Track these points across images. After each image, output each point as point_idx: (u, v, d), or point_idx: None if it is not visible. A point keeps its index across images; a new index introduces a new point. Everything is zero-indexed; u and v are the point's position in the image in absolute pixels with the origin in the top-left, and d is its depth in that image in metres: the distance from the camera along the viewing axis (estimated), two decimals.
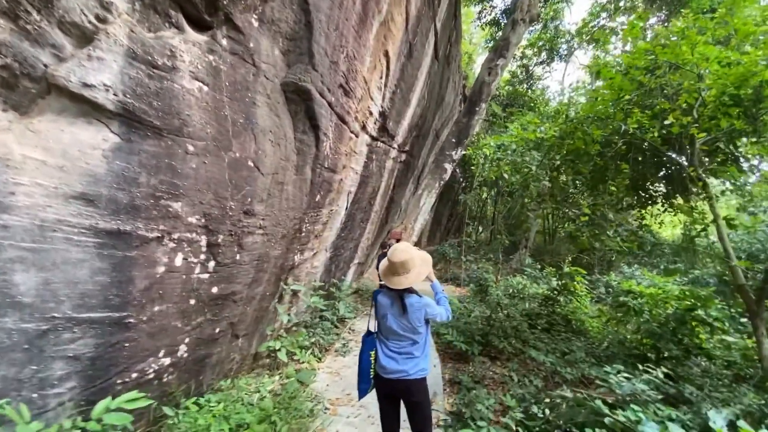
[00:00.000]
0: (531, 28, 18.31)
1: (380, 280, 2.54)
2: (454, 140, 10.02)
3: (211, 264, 3.15)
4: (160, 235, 2.62)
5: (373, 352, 2.46)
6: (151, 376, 2.72)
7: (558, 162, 4.84)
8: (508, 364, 4.80)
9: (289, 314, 5.33)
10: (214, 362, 3.59)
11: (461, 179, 28.49)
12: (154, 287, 2.60)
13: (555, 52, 19.01)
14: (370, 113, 6.24)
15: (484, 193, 30.01)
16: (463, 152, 10.65)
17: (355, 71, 5.03)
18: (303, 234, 4.72)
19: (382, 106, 6.68)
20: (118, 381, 2.41)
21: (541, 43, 18.84)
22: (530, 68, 19.96)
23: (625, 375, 3.23)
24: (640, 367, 3.53)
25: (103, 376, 2.38)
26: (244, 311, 3.85)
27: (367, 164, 6.89)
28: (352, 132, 5.51)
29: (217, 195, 3.06)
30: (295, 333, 5.14)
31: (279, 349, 4.47)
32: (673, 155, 4.85)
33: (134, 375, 2.53)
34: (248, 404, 3.42)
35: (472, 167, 25.80)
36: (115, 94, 2.32)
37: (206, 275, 3.12)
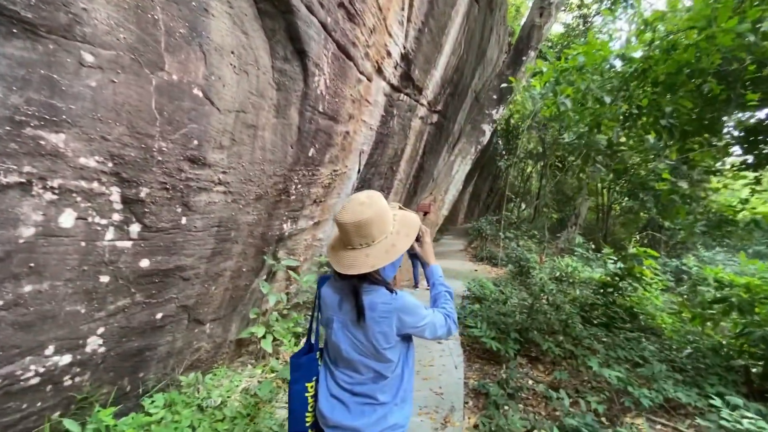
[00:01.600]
0: None
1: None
2: (495, 96, 8.55)
3: (134, 228, 2.28)
4: (23, 180, 1.75)
5: (312, 384, 1.38)
6: (34, 381, 1.93)
7: (642, 96, 3.44)
8: (554, 371, 3.68)
9: (285, 294, 4.50)
10: (164, 354, 2.80)
11: (503, 151, 26.39)
12: (17, 258, 1.75)
13: None
14: (388, 53, 5.06)
15: (529, 167, 27.69)
16: (505, 110, 9.14)
17: None
18: (292, 197, 3.77)
19: (404, 47, 5.47)
20: None
21: None
22: (589, 19, 17.37)
23: (750, 417, 2.03)
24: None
25: None
26: (205, 291, 3.01)
27: (385, 119, 5.78)
28: (361, 72, 4.39)
29: (133, 129, 2.13)
30: (294, 318, 4.31)
31: (263, 336, 3.64)
32: None
33: None
34: (197, 411, 2.61)
35: (517, 138, 23.63)
36: None
37: (127, 243, 2.26)
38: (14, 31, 1.73)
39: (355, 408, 1.25)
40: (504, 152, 26.34)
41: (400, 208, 1.47)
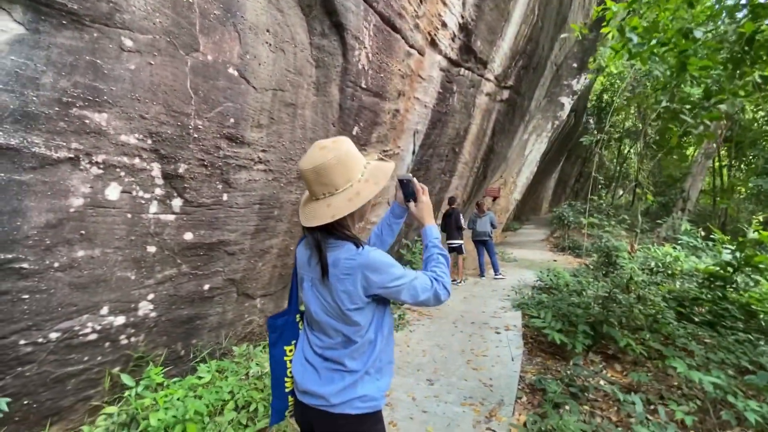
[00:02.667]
0: None
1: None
2: (575, 65, 7.61)
3: (177, 202, 2.43)
4: (72, 155, 1.94)
5: (291, 348, 1.31)
6: (93, 337, 2.16)
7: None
8: (633, 373, 3.13)
9: None
10: (215, 324, 2.99)
11: (594, 130, 23.60)
12: (69, 225, 1.96)
13: None
14: (443, 24, 4.75)
15: (626, 147, 24.38)
16: (587, 80, 8.08)
17: None
18: None
19: (462, 16, 5.08)
20: (22, 342, 1.88)
21: None
22: None
23: None
24: None
25: None
26: (252, 267, 3.14)
27: (443, 96, 5.47)
28: (410, 45, 4.18)
29: (169, 108, 2.26)
30: None
31: None
32: None
33: (53, 335, 1.98)
34: (243, 379, 2.73)
35: (611, 114, 20.91)
36: None
37: (170, 216, 2.42)
38: (63, 22, 1.91)
39: (324, 374, 1.16)
40: (596, 131, 23.60)
41: (380, 159, 1.32)
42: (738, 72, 2.35)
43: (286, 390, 1.29)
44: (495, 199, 7.98)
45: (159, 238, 2.39)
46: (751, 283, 4.45)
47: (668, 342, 3.51)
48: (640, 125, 19.31)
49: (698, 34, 2.16)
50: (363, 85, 3.56)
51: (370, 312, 1.16)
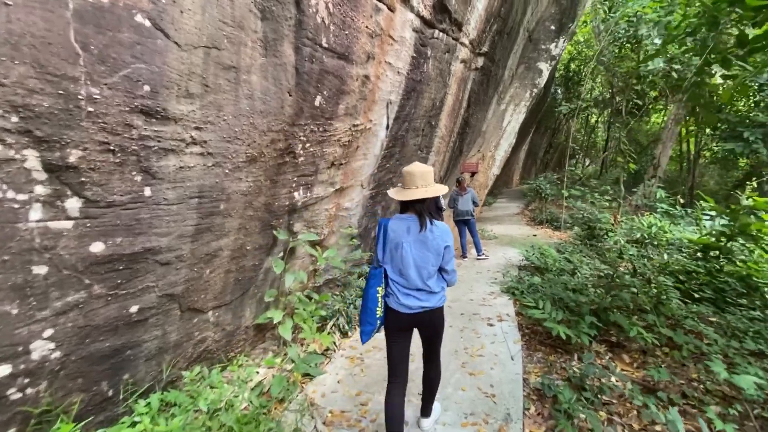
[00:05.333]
0: None
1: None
2: (553, 27, 7.13)
3: (73, 204, 1.77)
4: None
5: (381, 288, 2.03)
6: None
7: None
8: (645, 363, 2.82)
9: (310, 271, 4.00)
10: (154, 351, 2.39)
11: (563, 101, 23.59)
12: None
13: None
14: None
15: (594, 116, 24.59)
16: (566, 44, 7.64)
17: None
18: (301, 159, 3.13)
19: None
20: None
21: None
22: None
23: None
24: None
25: None
26: (197, 276, 2.53)
27: (417, 62, 4.86)
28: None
29: (42, 70, 1.57)
30: (315, 299, 3.81)
31: (280, 322, 3.16)
32: None
33: None
34: (195, 415, 2.18)
35: (579, 84, 20.83)
36: None
37: (65, 223, 1.76)
38: None
39: (422, 296, 2.00)
40: (564, 100, 23.55)
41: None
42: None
43: (377, 316, 1.99)
44: (473, 174, 7.55)
45: (51, 254, 1.74)
46: (747, 253, 4.26)
47: (674, 324, 3.22)
48: (608, 95, 19.37)
49: None
50: (324, 44, 2.91)
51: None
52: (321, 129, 3.23)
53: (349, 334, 3.73)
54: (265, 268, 3.27)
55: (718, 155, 12.70)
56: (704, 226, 6.51)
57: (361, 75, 3.58)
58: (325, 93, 3.11)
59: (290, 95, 2.77)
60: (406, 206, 2.03)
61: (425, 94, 5.45)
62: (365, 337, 2.05)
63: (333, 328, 3.62)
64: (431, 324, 2.06)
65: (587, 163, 26.22)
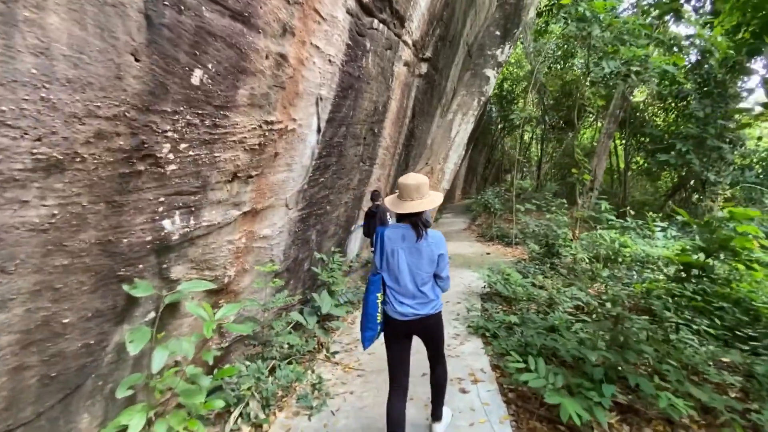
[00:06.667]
0: None
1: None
2: (498, 33, 6.70)
3: None
4: None
5: (380, 294, 2.08)
6: None
7: None
8: None
9: (189, 339, 2.79)
10: None
11: (498, 118, 24.39)
12: None
13: None
14: None
15: (527, 134, 25.72)
16: (511, 52, 7.29)
17: None
18: (170, 167, 1.98)
19: None
20: None
21: None
22: None
23: None
24: None
25: None
26: None
27: (354, 53, 3.94)
28: None
29: None
30: (207, 385, 2.62)
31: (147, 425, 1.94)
32: None
33: None
34: None
35: (512, 103, 21.63)
36: None
37: None
38: None
39: (416, 305, 2.05)
40: (499, 118, 24.32)
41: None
42: None
43: (378, 321, 2.07)
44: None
45: None
46: (727, 270, 3.81)
47: (693, 373, 2.51)
48: (540, 112, 20.27)
49: None
50: None
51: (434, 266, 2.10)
52: (208, 122, 2.12)
53: (269, 420, 2.54)
54: (116, 343, 2.03)
55: (644, 167, 13.42)
56: (658, 239, 6.28)
57: (274, 52, 2.54)
58: (210, 68, 2.02)
59: (137, 59, 1.65)
60: (402, 216, 2.09)
61: (365, 94, 4.54)
62: (367, 342, 2.11)
63: (239, 420, 2.42)
64: (427, 331, 2.15)
65: (522, 177, 27.31)
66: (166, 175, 1.96)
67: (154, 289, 2.10)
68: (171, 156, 1.95)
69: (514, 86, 22.11)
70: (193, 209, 2.23)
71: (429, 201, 2.03)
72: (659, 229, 6.21)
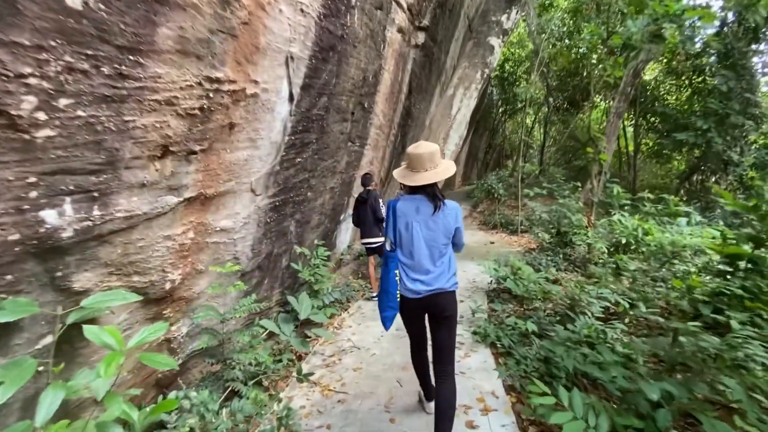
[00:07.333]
0: None
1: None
2: None
3: None
4: None
5: (398, 271, 1.99)
6: None
7: None
8: None
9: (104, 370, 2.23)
10: None
11: (499, 101, 23.50)
12: None
13: None
14: None
15: (529, 117, 24.85)
16: (519, 17, 6.55)
17: None
18: (45, 132, 1.35)
19: None
20: None
21: None
22: None
23: None
24: None
25: None
26: None
27: (336, 7, 3.26)
28: None
29: None
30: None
31: None
32: None
33: None
34: None
35: (514, 85, 20.74)
36: None
37: None
38: None
39: (429, 280, 1.94)
40: (500, 101, 23.43)
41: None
42: None
43: (397, 300, 1.99)
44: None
45: None
46: None
47: None
48: (543, 94, 19.41)
49: None
50: None
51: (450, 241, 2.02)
52: (108, 70, 1.48)
53: None
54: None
55: (653, 149, 12.73)
56: (681, 225, 5.66)
57: None
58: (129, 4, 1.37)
59: None
60: (413, 188, 1.97)
61: (351, 59, 3.86)
62: (388, 323, 2.06)
63: None
64: (441, 307, 1.99)
65: (524, 163, 26.57)
66: (35, 144, 1.33)
67: (40, 308, 1.49)
68: (41, 116, 1.32)
69: (516, 67, 21.22)
70: (96, 195, 1.60)
71: (443, 170, 1.94)
72: (683, 214, 5.57)
